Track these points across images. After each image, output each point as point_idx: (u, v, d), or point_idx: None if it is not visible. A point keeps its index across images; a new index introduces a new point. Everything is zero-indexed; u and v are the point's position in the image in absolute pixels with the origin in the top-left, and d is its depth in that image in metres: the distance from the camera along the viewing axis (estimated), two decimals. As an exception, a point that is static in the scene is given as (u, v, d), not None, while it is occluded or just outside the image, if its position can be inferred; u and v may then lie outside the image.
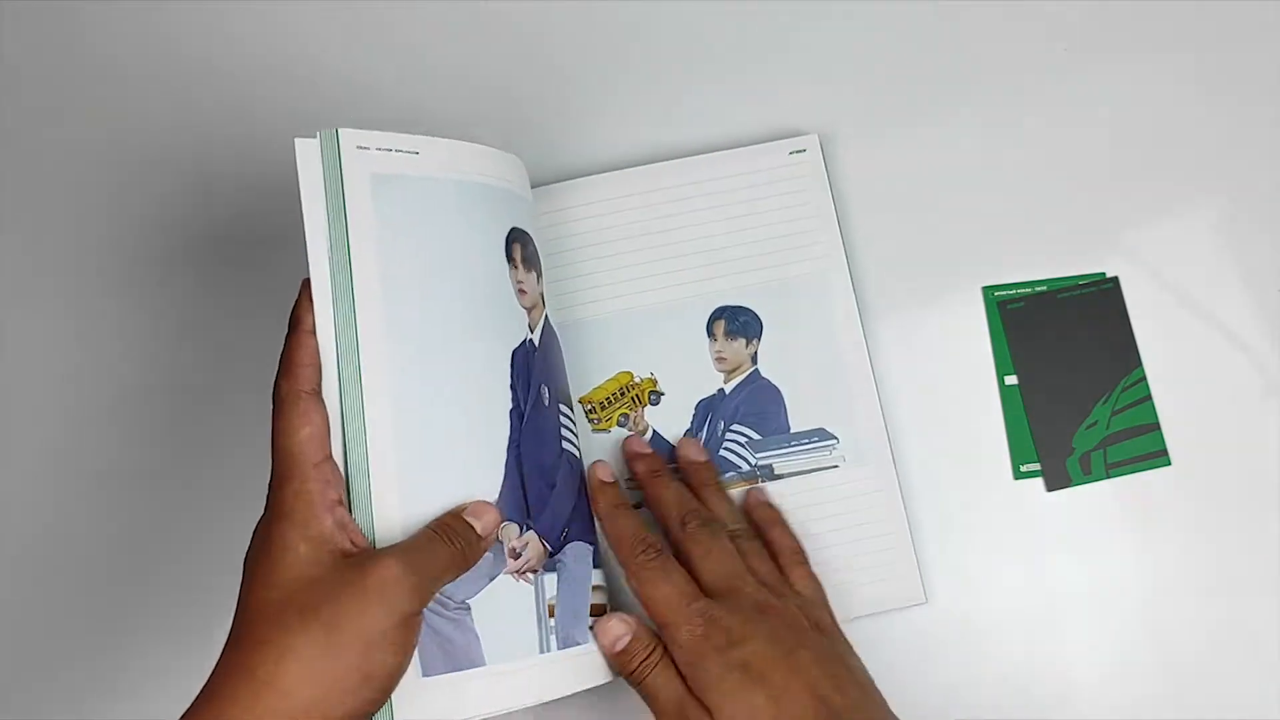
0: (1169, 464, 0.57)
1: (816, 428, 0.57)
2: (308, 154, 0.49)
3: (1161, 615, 0.56)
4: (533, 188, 0.57)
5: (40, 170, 0.63)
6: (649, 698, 0.49)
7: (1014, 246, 0.59)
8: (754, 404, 0.57)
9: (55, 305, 0.62)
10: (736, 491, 0.56)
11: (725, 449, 0.57)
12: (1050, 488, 0.57)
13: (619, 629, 0.49)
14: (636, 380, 0.57)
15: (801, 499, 0.56)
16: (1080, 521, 0.57)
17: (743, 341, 0.58)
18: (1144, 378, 0.57)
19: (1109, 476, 0.57)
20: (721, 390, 0.57)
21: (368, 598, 0.41)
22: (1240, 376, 0.57)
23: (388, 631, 0.42)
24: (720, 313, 0.58)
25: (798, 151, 0.60)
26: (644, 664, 0.49)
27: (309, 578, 0.42)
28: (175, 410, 0.61)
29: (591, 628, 0.50)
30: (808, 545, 0.55)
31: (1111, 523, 0.57)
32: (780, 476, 0.56)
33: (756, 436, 0.57)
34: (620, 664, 0.49)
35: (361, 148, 0.50)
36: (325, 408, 0.46)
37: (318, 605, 0.41)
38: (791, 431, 0.57)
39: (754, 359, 0.58)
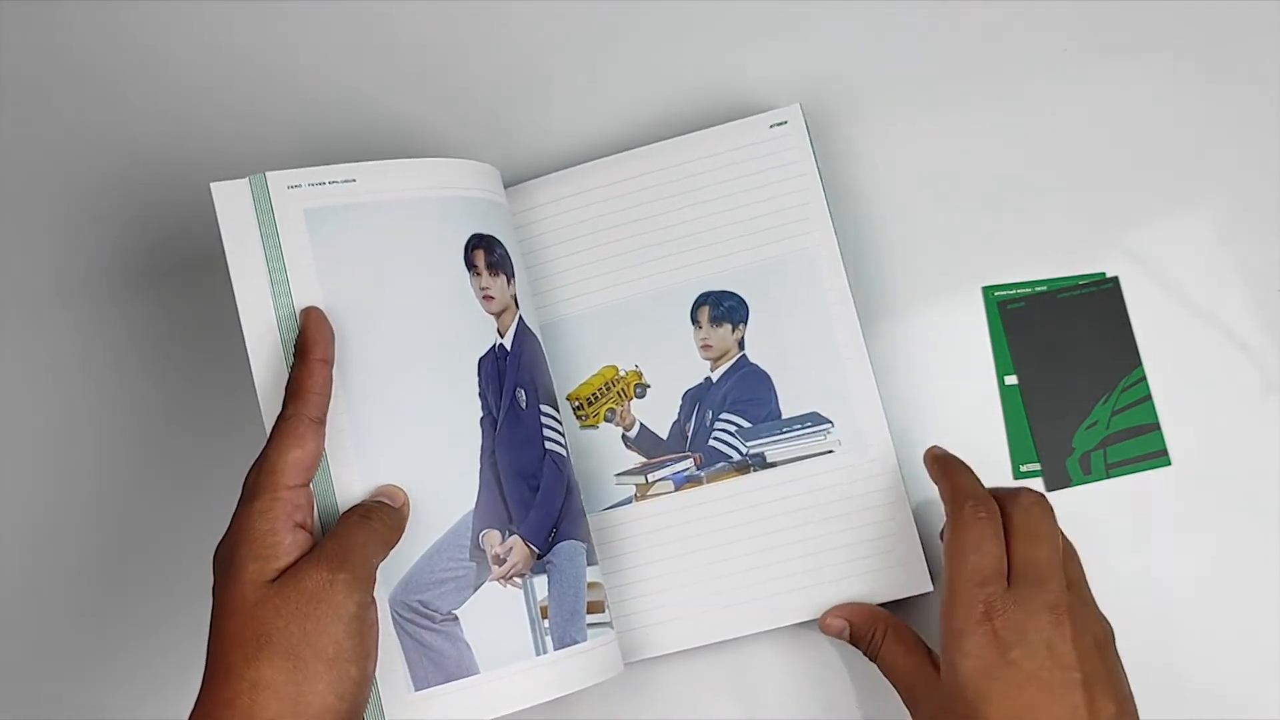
0: (1169, 464, 0.57)
1: (810, 412, 0.55)
2: (228, 196, 0.49)
3: (1161, 615, 0.56)
4: (506, 188, 0.57)
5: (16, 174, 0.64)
6: (884, 669, 0.51)
7: (1014, 246, 0.59)
8: (743, 391, 0.56)
9: (37, 315, 0.62)
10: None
11: (714, 439, 0.56)
12: (1050, 488, 0.57)
13: (837, 625, 0.53)
14: (621, 374, 0.57)
15: (797, 487, 0.55)
16: (1080, 521, 0.56)
17: (728, 327, 0.57)
18: (1144, 378, 0.57)
19: (1109, 476, 0.57)
20: (708, 379, 0.57)
21: (313, 615, 0.42)
22: (1240, 376, 0.57)
23: (342, 641, 0.42)
24: (704, 299, 0.57)
25: (779, 124, 0.57)
26: (872, 643, 0.52)
27: (257, 600, 0.42)
28: (163, 420, 0.61)
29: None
30: (807, 535, 0.54)
31: (1111, 523, 0.57)
32: (773, 465, 0.55)
33: (746, 424, 0.56)
34: (856, 646, 0.53)
35: (292, 186, 0.50)
36: (323, 439, 0.47)
37: (270, 632, 0.42)
38: (783, 417, 0.56)
39: (741, 344, 0.57)
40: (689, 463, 0.56)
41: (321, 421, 0.46)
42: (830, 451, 0.55)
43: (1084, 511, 0.57)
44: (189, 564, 0.48)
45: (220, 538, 0.45)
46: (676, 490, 0.56)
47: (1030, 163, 0.60)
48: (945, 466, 0.52)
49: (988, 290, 0.59)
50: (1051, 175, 0.59)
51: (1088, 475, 0.57)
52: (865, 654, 0.52)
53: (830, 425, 0.55)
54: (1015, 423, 0.58)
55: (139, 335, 0.62)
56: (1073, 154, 0.60)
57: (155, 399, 0.61)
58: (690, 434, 0.56)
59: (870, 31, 0.62)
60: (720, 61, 0.62)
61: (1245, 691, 0.54)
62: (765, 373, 0.56)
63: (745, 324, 0.57)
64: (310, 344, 0.48)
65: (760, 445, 0.56)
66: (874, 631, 0.52)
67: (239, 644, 0.42)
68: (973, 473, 0.51)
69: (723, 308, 0.57)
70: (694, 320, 0.57)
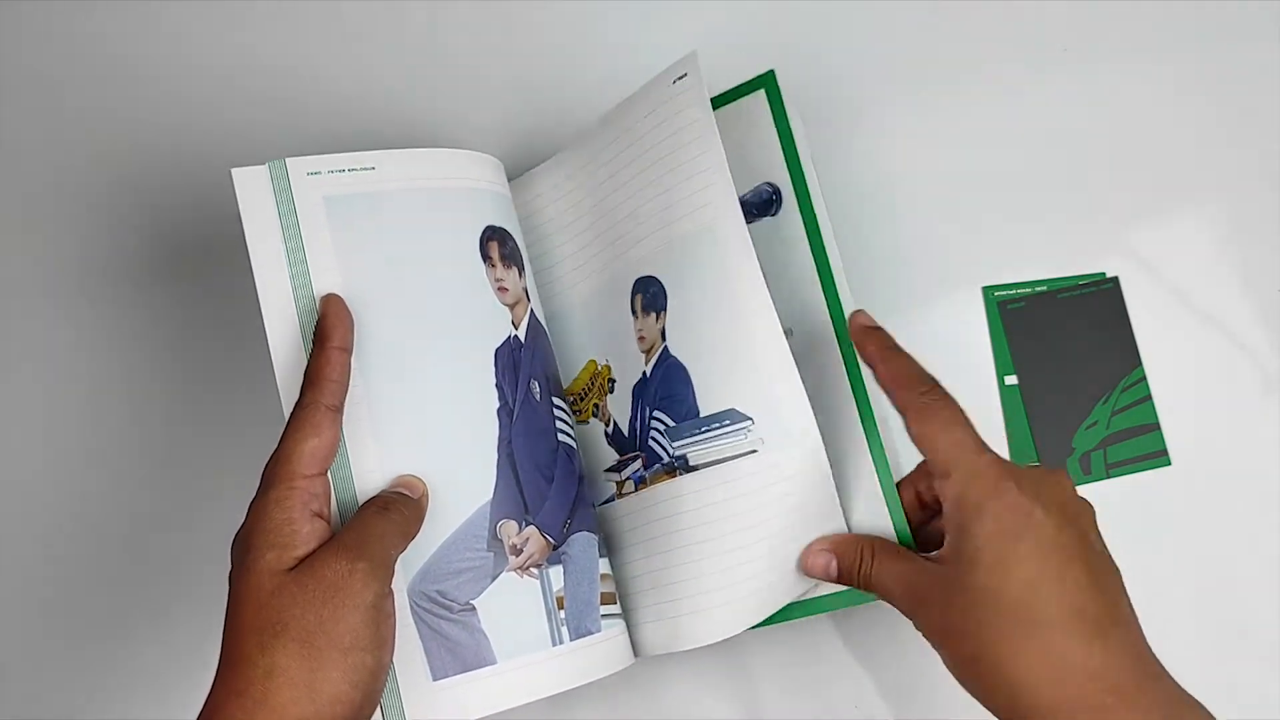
0: (1169, 464, 0.57)
1: (727, 409, 0.49)
2: (249, 182, 0.49)
3: (1161, 615, 0.56)
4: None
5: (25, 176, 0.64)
6: (881, 588, 0.46)
7: (1014, 246, 0.59)
8: (666, 386, 0.51)
9: (42, 311, 0.62)
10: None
11: (650, 438, 0.52)
12: (1050, 487, 0.57)
13: (821, 558, 0.48)
14: (599, 368, 0.55)
15: (722, 492, 0.49)
16: (1080, 521, 0.57)
17: (654, 316, 0.52)
18: (1144, 378, 0.57)
19: (1109, 476, 0.57)
20: (644, 372, 0.52)
21: (330, 603, 0.42)
22: (1240, 376, 0.57)
23: (358, 630, 0.42)
24: (637, 286, 0.52)
25: (681, 78, 0.50)
26: (861, 568, 0.47)
27: (274, 588, 0.42)
28: (167, 410, 0.61)
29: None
30: (737, 543, 0.49)
31: (1111, 523, 0.56)
32: (696, 468, 0.50)
33: (671, 423, 0.51)
34: (844, 581, 0.48)
35: (312, 173, 0.50)
36: (340, 427, 0.46)
37: (286, 620, 0.41)
38: (701, 415, 0.50)
39: (663, 335, 0.51)
40: (639, 462, 0.53)
41: (339, 410, 0.46)
42: (753, 451, 0.49)
43: (1084, 511, 0.57)
44: (207, 554, 0.48)
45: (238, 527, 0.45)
46: (636, 490, 0.53)
47: (1031, 162, 0.60)
48: (884, 360, 0.48)
49: (988, 290, 0.59)
50: (1051, 175, 0.59)
51: (1088, 475, 0.57)
52: (857, 584, 0.47)
53: (750, 423, 0.49)
54: (1015, 423, 0.58)
55: (158, 324, 0.62)
56: (1073, 154, 0.60)
57: (175, 387, 0.61)
58: (637, 432, 0.53)
59: (870, 31, 0.62)
60: (720, 60, 0.62)
61: (1245, 691, 0.54)
62: (683, 365, 0.51)
63: (665, 311, 0.51)
64: (329, 331, 0.47)
65: (683, 446, 0.50)
66: (860, 556, 0.47)
67: (254, 632, 0.41)
68: (904, 352, 0.48)
69: (648, 294, 0.52)
70: (633, 309, 0.53)
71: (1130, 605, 0.43)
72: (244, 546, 0.44)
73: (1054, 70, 0.60)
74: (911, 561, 0.45)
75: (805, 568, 0.48)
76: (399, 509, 0.46)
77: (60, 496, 0.60)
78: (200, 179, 0.61)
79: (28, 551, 0.60)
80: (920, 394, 0.46)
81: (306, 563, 0.43)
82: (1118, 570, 0.44)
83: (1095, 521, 0.44)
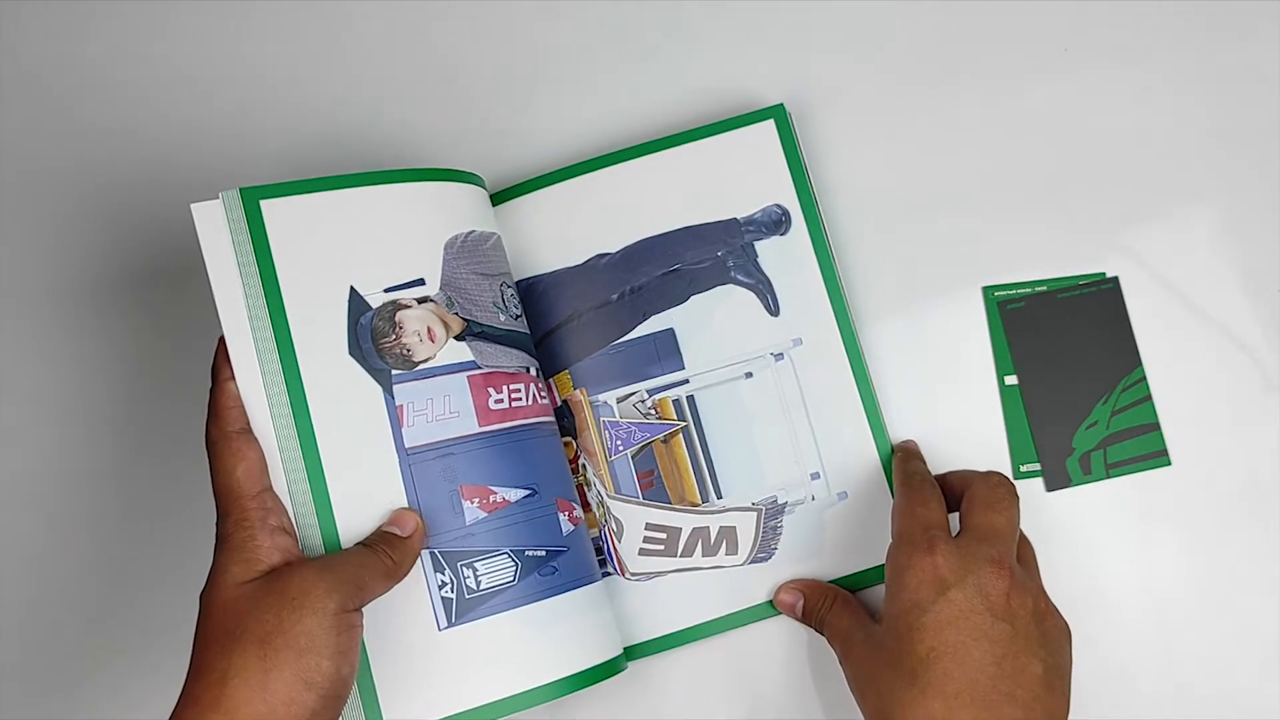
0: (1169, 464, 0.57)
1: None
2: (208, 216, 0.49)
3: (1161, 615, 0.56)
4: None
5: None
6: (828, 631, 0.52)
7: (1014, 246, 0.59)
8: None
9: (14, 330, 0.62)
10: None
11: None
12: (1050, 488, 0.57)
13: (791, 596, 0.54)
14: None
15: None
16: (1080, 521, 0.57)
17: None
18: (1144, 378, 0.57)
19: (1109, 476, 0.57)
20: None
21: (289, 606, 0.43)
22: (1240, 376, 0.57)
23: (316, 635, 0.43)
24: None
25: None
26: (820, 611, 0.53)
27: (241, 598, 0.43)
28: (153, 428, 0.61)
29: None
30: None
31: (1111, 523, 0.57)
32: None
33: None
34: (805, 621, 0.54)
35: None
36: (258, 443, 0.48)
37: (247, 624, 0.42)
38: None
39: None
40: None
41: (248, 430, 0.48)
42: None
43: (1084, 511, 0.57)
44: (173, 575, 0.48)
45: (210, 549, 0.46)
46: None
47: (1031, 162, 0.60)
48: (903, 458, 0.55)
49: (988, 290, 0.59)
50: (1052, 175, 0.59)
51: (1088, 475, 0.57)
52: (813, 624, 0.54)
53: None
54: (1015, 423, 0.58)
55: (131, 343, 0.61)
56: (1073, 154, 0.60)
57: (144, 408, 0.61)
58: None
59: (868, 29, 0.62)
60: (719, 59, 0.62)
61: (1245, 691, 0.54)
62: None
63: None
64: (220, 366, 0.49)
65: None
66: (822, 603, 0.53)
67: (217, 639, 0.43)
68: (924, 462, 0.55)
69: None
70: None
71: (1047, 687, 0.45)
72: (214, 568, 0.45)
73: (1054, 70, 0.60)
74: (857, 616, 0.51)
75: (776, 602, 0.55)
76: (384, 550, 0.47)
77: (26, 516, 0.60)
78: (172, 192, 0.60)
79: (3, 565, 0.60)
80: (915, 478, 0.52)
81: (275, 573, 0.44)
82: (1047, 653, 0.46)
83: (1031, 606, 0.47)
